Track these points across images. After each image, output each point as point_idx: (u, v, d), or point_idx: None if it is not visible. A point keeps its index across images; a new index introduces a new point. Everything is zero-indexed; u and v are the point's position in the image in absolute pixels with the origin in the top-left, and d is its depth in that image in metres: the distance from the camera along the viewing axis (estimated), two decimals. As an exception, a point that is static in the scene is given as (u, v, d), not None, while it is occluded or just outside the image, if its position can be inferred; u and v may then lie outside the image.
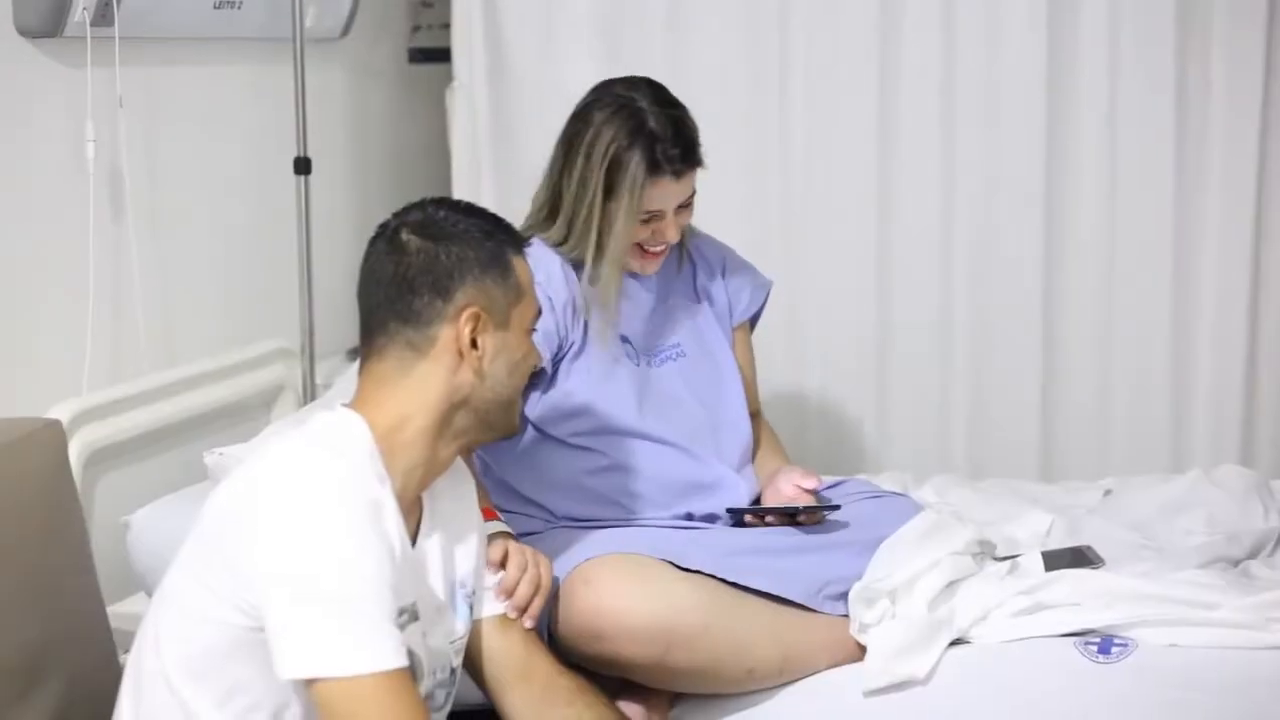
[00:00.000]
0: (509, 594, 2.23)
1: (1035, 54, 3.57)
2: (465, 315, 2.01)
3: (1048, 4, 3.55)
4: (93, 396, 2.98)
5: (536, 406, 2.60)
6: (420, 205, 2.10)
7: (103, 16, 2.96)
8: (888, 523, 2.63)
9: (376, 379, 2.02)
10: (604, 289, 2.62)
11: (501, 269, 2.05)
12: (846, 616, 2.48)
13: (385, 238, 2.06)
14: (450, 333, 2.01)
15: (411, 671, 1.87)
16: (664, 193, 2.60)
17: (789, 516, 2.61)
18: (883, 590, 2.46)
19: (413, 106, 4.15)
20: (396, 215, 2.09)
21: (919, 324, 3.71)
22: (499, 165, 3.84)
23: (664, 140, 2.57)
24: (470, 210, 2.10)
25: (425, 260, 2.01)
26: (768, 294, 2.93)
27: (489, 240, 2.05)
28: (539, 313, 2.15)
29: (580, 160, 2.59)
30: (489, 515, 2.36)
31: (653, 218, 2.61)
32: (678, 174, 2.59)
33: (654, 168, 2.57)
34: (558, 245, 2.62)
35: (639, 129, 2.57)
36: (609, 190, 2.57)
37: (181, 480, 3.07)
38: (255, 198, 3.56)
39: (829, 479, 2.87)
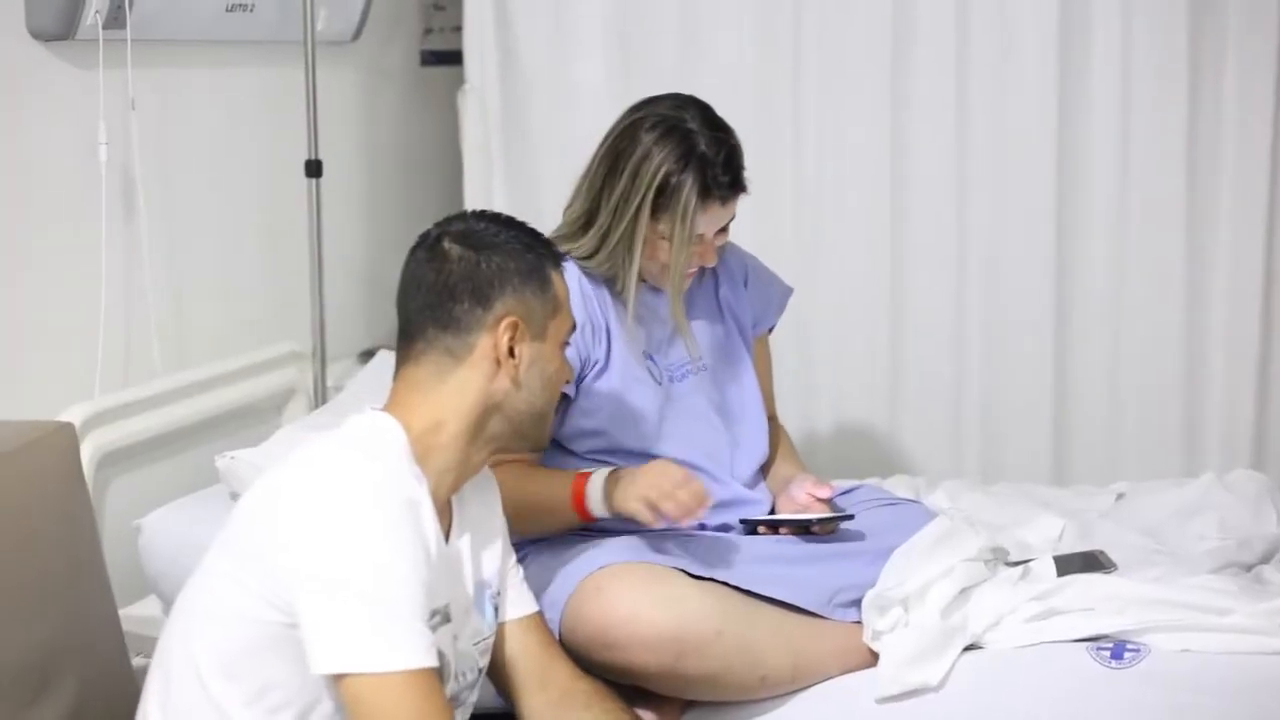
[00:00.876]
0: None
1: (1047, 63, 3.56)
2: (504, 324, 2.03)
3: (1059, 14, 3.54)
4: (105, 399, 2.99)
5: (556, 424, 2.58)
6: (461, 216, 2.13)
7: (115, 19, 2.96)
8: (900, 530, 2.62)
9: (412, 384, 2.04)
10: (677, 321, 2.63)
11: (540, 281, 2.08)
12: (859, 624, 2.47)
13: (426, 246, 2.08)
14: (489, 341, 2.03)
15: (439, 673, 1.88)
16: (711, 218, 2.57)
17: (803, 528, 2.61)
18: (896, 598, 2.46)
19: (424, 109, 4.15)
20: (438, 225, 2.11)
21: (932, 328, 3.71)
22: (510, 168, 3.84)
23: (715, 165, 2.53)
24: (510, 223, 2.12)
25: (466, 268, 2.04)
26: (787, 301, 2.92)
27: (529, 252, 2.08)
28: (574, 327, 2.17)
29: (625, 178, 2.54)
30: (583, 479, 2.44)
31: (694, 241, 2.59)
32: (725, 199, 2.57)
33: (705, 193, 2.53)
34: (585, 259, 2.58)
35: (690, 153, 2.52)
36: (654, 211, 2.53)
37: (193, 483, 3.07)
38: (267, 200, 3.56)
39: (841, 484, 2.86)
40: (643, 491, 2.39)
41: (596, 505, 2.44)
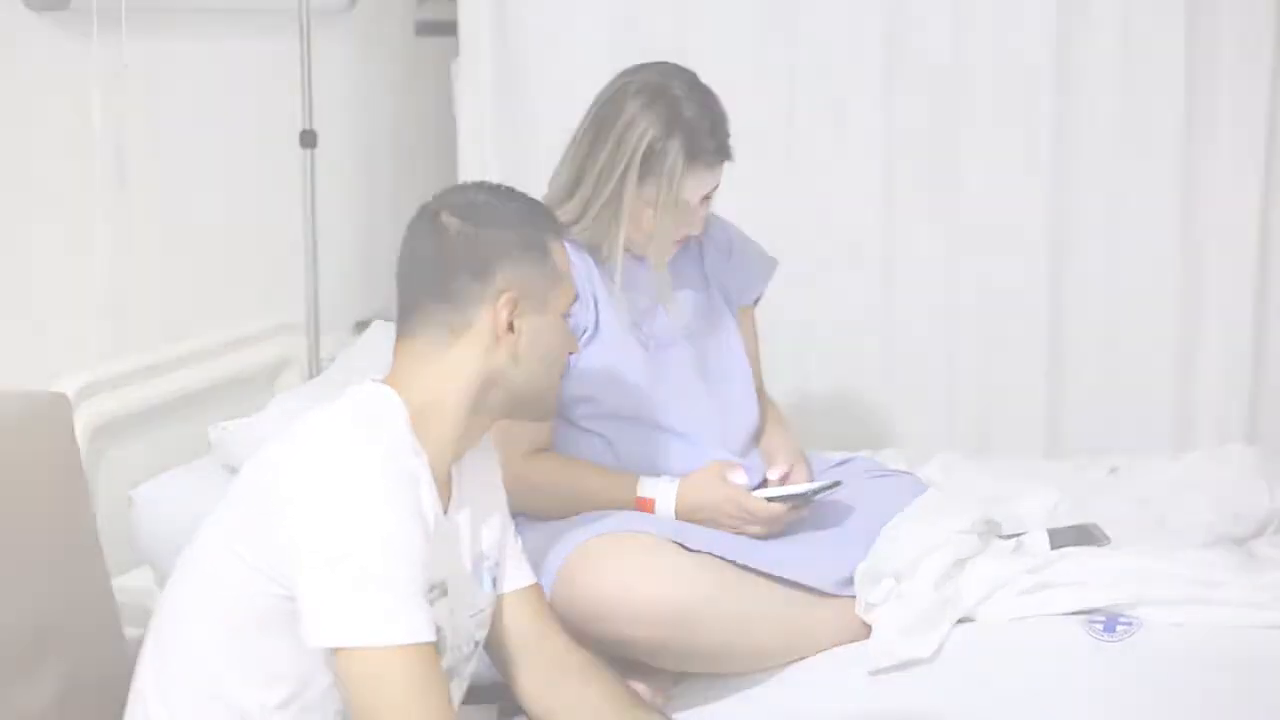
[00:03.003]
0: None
1: (1044, 38, 3.55)
2: (503, 299, 2.01)
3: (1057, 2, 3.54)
4: (98, 370, 2.98)
5: None
6: (461, 188, 2.12)
7: (109, -12, 2.95)
8: (893, 503, 2.62)
9: (411, 357, 2.03)
10: (660, 289, 2.64)
11: (540, 253, 2.06)
12: (852, 597, 2.47)
13: (425, 219, 2.06)
14: (488, 315, 2.01)
15: (436, 648, 1.87)
16: (697, 183, 2.57)
17: (794, 505, 2.59)
18: (888, 570, 2.46)
19: (419, 79, 4.14)
20: (437, 198, 2.09)
21: (925, 300, 3.71)
22: (504, 139, 3.82)
23: (701, 131, 2.54)
24: (510, 194, 2.10)
25: (465, 242, 2.02)
26: (773, 272, 2.92)
27: (528, 225, 2.06)
28: (576, 298, 2.16)
29: (610, 145, 2.54)
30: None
31: (679, 208, 2.58)
32: (711, 165, 2.57)
33: (692, 158, 2.53)
34: (569, 225, 2.57)
35: (676, 118, 2.53)
36: (640, 177, 2.53)
37: (186, 455, 3.07)
38: (261, 171, 3.55)
39: (834, 457, 2.86)
40: (722, 522, 2.52)
41: (667, 516, 2.53)
